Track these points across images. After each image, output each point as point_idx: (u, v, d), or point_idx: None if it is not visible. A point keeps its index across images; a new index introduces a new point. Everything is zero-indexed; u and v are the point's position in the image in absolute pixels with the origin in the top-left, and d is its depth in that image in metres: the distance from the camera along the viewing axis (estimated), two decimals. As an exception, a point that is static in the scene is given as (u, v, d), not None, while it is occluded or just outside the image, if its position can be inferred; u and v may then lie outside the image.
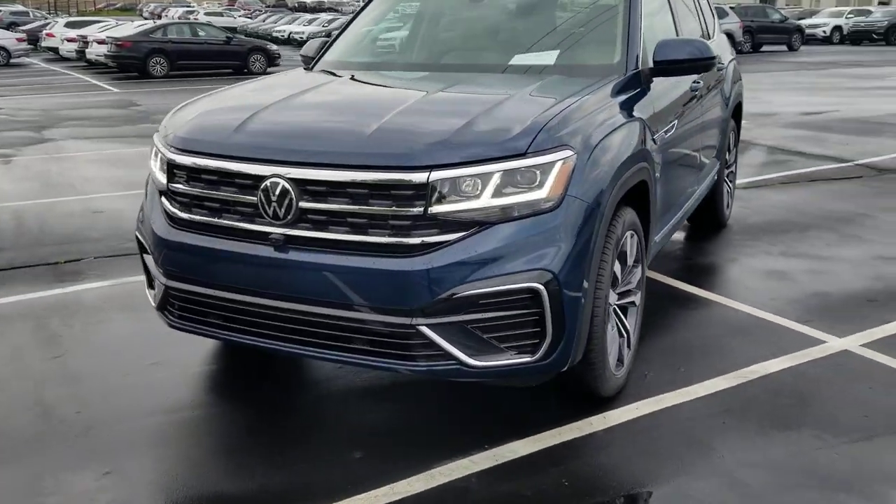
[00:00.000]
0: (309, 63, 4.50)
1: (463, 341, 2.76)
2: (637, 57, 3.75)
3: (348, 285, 2.79)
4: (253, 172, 2.92)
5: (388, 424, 3.28)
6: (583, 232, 2.85)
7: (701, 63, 3.79)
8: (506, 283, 2.73)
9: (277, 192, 2.85)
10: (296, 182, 2.84)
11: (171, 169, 3.16)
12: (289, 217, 2.86)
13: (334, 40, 4.51)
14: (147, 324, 4.17)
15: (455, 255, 2.71)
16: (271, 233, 2.89)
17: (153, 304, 3.37)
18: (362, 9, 4.67)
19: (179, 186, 3.13)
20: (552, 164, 2.79)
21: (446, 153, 2.76)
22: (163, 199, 3.23)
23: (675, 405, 3.37)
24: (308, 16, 47.10)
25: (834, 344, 3.97)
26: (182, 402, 3.46)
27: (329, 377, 3.67)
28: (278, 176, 2.86)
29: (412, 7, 4.68)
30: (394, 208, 2.75)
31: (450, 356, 2.77)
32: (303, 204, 2.84)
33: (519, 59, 3.94)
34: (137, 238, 3.45)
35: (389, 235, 2.76)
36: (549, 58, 3.91)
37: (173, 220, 3.15)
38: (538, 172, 2.77)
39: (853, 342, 3.99)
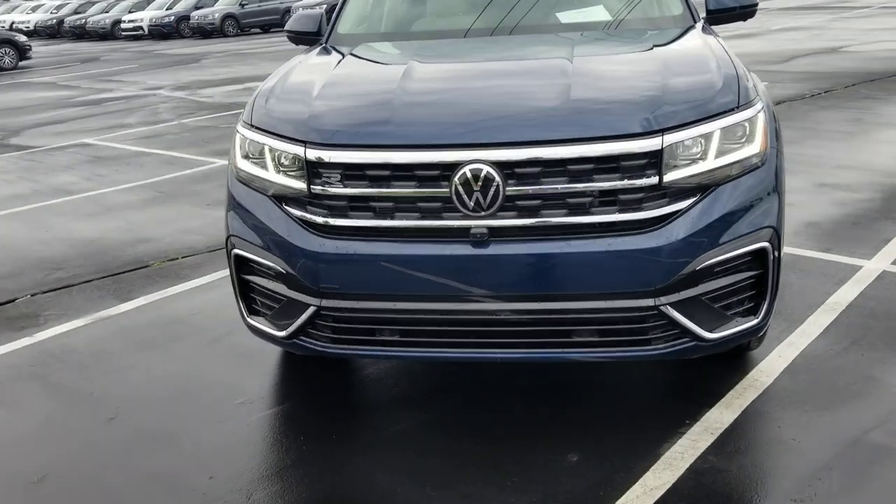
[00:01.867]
0: (307, 38, 4.00)
1: (698, 315, 2.59)
2: (694, 7, 3.73)
3: (579, 273, 2.50)
4: (445, 160, 2.50)
5: (577, 422, 3.01)
6: (782, 183, 2.77)
7: (749, 9, 3.83)
8: (739, 246, 2.59)
9: (481, 179, 2.48)
10: (500, 166, 2.48)
11: (315, 169, 2.63)
12: (494, 206, 2.50)
13: (340, 12, 4.01)
14: (180, 362, 3.54)
15: (692, 224, 2.52)
16: (472, 226, 2.51)
17: (276, 333, 2.83)
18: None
19: (331, 189, 2.62)
20: (756, 117, 2.68)
21: (674, 114, 2.54)
22: (293, 206, 2.69)
23: (809, 346, 3.42)
24: (30, 3, 42.41)
25: (870, 266, 4.24)
26: (317, 432, 2.95)
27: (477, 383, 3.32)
28: (479, 161, 2.48)
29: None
30: (625, 181, 2.49)
31: (687, 333, 2.58)
32: (510, 189, 2.49)
33: (570, 17, 3.75)
34: (238, 258, 2.88)
35: (619, 212, 2.50)
36: (602, 13, 3.78)
37: (323, 229, 2.64)
38: (748, 126, 2.65)
39: (882, 263, 4.29)
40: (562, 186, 2.49)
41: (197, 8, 31.14)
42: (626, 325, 2.56)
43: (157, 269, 4.83)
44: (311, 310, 2.69)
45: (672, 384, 3.26)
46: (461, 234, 2.53)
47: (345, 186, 2.61)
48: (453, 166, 2.50)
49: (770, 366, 3.27)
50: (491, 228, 2.51)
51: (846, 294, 3.92)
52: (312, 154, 2.63)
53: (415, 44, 3.66)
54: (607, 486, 2.59)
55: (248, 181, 2.85)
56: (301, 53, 3.66)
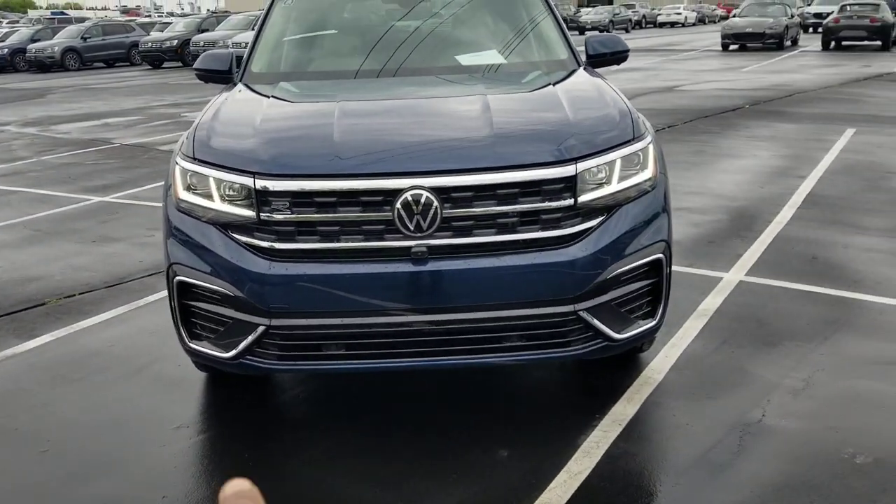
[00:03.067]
0: (219, 77, 4.17)
1: (609, 318, 2.98)
2: (577, 52, 4.20)
3: (507, 284, 2.83)
4: (388, 187, 2.78)
5: (502, 422, 3.30)
6: (669, 204, 3.22)
7: (621, 55, 4.35)
8: (641, 257, 3.01)
9: (421, 203, 2.77)
10: (437, 191, 2.79)
11: (265, 197, 2.83)
12: (432, 228, 2.79)
13: (252, 53, 4.19)
14: (105, 392, 3.58)
15: (603, 238, 2.91)
16: (413, 246, 2.79)
17: (222, 354, 2.97)
18: (267, 16, 4.40)
19: (279, 215, 2.82)
20: (647, 147, 3.12)
21: (584, 144, 2.93)
22: (240, 233, 2.87)
23: (689, 347, 3.91)
24: None
25: (729, 277, 4.86)
26: (257, 449, 3.10)
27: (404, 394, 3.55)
28: (418, 187, 2.77)
29: (314, 13, 4.52)
30: (545, 203, 2.85)
31: (600, 335, 2.97)
32: (446, 212, 2.80)
33: (468, 60, 4.13)
34: (182, 285, 3.00)
35: (541, 230, 2.86)
36: (497, 57, 4.17)
37: (272, 253, 2.83)
38: (641, 155, 3.08)
39: (738, 274, 4.92)
40: (491, 208, 2.82)
41: (34, 41, 29.67)
42: (549, 329, 2.91)
43: (54, 306, 4.76)
44: (259, 329, 2.87)
45: (581, 384, 3.65)
46: (402, 254, 2.81)
47: (293, 213, 2.83)
48: (395, 192, 2.78)
49: (659, 364, 3.72)
50: (429, 247, 2.80)
51: (713, 301, 4.48)
52: (262, 184, 2.83)
53: (334, 83, 3.90)
54: (537, 475, 2.91)
55: (189, 211, 3.00)
56: (220, 91, 3.83)
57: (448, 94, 3.63)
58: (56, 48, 28.15)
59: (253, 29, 20.99)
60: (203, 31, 28.12)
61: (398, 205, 2.77)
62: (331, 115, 3.15)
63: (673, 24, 51.94)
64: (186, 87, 19.17)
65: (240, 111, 3.41)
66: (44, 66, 28.14)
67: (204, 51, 23.26)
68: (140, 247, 5.94)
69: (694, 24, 52.53)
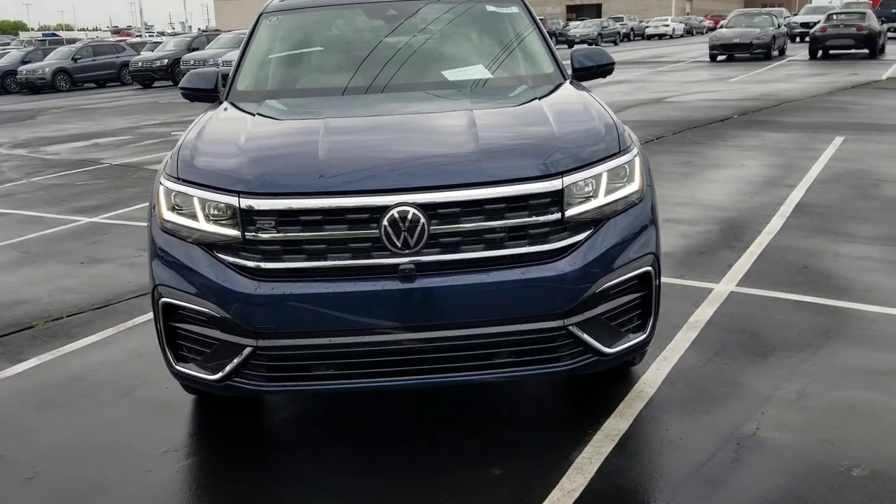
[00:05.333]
0: (204, 95, 4.15)
1: (599, 333, 2.95)
2: (563, 66, 4.20)
3: (496, 300, 2.80)
4: (374, 204, 2.75)
5: (492, 440, 3.27)
6: (657, 216, 3.21)
7: (607, 68, 4.35)
8: (629, 270, 2.99)
9: (408, 220, 2.74)
10: (424, 207, 2.76)
11: (250, 216, 2.80)
12: (419, 244, 2.77)
13: (237, 71, 4.18)
14: (91, 417, 3.54)
15: (591, 252, 2.89)
16: (400, 263, 2.77)
17: (208, 376, 2.94)
18: (252, 34, 4.39)
19: (264, 234, 2.80)
20: (634, 160, 3.11)
21: (570, 158, 2.92)
22: (225, 253, 2.85)
23: (680, 359, 3.89)
24: None
25: (720, 289, 4.84)
26: (247, 472, 3.06)
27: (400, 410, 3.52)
28: (405, 204, 2.75)
29: (300, 31, 4.52)
30: (532, 218, 2.83)
31: (590, 349, 2.94)
32: (433, 228, 2.78)
33: (454, 75, 4.12)
34: (167, 307, 2.97)
35: (529, 245, 2.84)
36: (483, 72, 4.16)
37: (257, 273, 2.80)
38: (628, 168, 3.07)
39: (729, 285, 4.90)
40: (478, 224, 2.80)
41: (24, 62, 29.67)
42: (539, 345, 2.88)
43: (42, 329, 4.72)
44: (246, 351, 2.83)
45: (572, 400, 3.62)
46: (390, 271, 2.78)
47: (278, 232, 2.80)
48: (382, 209, 2.76)
49: (651, 377, 3.70)
50: (417, 264, 2.77)
51: (704, 313, 4.47)
52: (246, 203, 2.80)
53: (318, 100, 3.89)
54: (530, 493, 2.88)
55: (174, 232, 2.97)
56: (206, 110, 3.81)
57: (434, 110, 3.62)
58: (47, 69, 28.17)
59: (243, 47, 20.69)
60: (193, 49, 28.15)
61: (385, 222, 2.75)
62: (316, 132, 3.13)
63: (661, 37, 52.32)
64: (176, 106, 19.17)
65: (224, 130, 3.39)
66: (34, 87, 28.15)
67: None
68: (128, 267, 5.90)
69: (682, 36, 52.96)
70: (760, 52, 26.56)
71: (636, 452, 3.12)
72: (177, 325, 3.00)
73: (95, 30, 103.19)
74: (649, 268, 3.05)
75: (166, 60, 27.75)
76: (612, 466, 3.02)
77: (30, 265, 6.14)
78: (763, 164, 8.75)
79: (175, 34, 50.72)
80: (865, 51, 25.40)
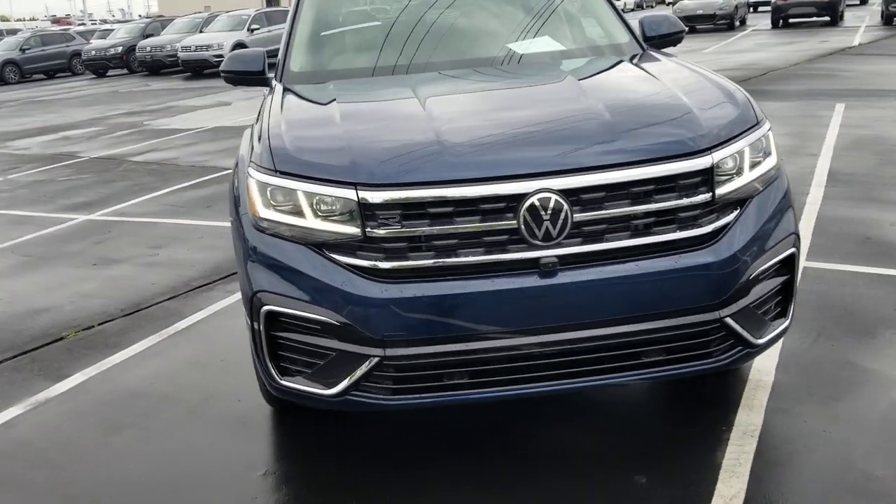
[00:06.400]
0: (251, 78, 3.80)
1: (749, 323, 2.70)
2: (636, 34, 3.92)
3: (647, 293, 2.53)
4: (512, 192, 2.45)
5: (623, 445, 3.01)
6: (790, 193, 2.96)
7: (678, 35, 4.08)
8: (777, 253, 2.73)
9: (550, 208, 2.45)
10: (567, 193, 2.47)
11: (371, 211, 2.48)
12: (562, 235, 2.47)
13: (288, 51, 3.81)
14: (164, 439, 3.20)
15: (743, 235, 2.63)
16: (541, 257, 2.47)
17: (323, 391, 2.61)
18: (297, 11, 4.02)
19: (387, 231, 2.47)
20: (769, 132, 2.86)
21: (715, 133, 2.64)
22: (340, 252, 2.52)
23: (785, 343, 3.67)
24: None
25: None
26: (365, 492, 2.75)
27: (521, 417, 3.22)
28: (547, 189, 2.45)
29: (348, 3, 4.16)
30: (683, 199, 2.55)
31: (742, 342, 2.68)
32: (576, 216, 2.48)
33: (524, 48, 3.81)
34: (270, 315, 2.63)
35: (678, 230, 2.56)
36: (552, 43, 3.87)
37: (382, 274, 2.48)
38: (765, 141, 2.81)
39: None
40: (624, 209, 2.52)
41: (-32, 55, 28.36)
42: (691, 340, 2.61)
43: (74, 340, 4.32)
44: (371, 361, 2.51)
45: (688, 395, 3.35)
46: (529, 266, 2.48)
47: (403, 227, 2.48)
48: (520, 197, 2.45)
49: (763, 365, 3.46)
50: (559, 257, 2.48)
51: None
52: (366, 196, 2.48)
53: (392, 79, 3.54)
54: (690, 502, 2.62)
55: (274, 231, 2.63)
56: (267, 94, 3.44)
57: (534, 84, 3.31)
58: (-7, 61, 26.96)
59: (201, 31, 20.18)
60: (148, 35, 27.17)
61: (523, 211, 2.45)
62: (420, 114, 2.81)
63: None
64: (140, 95, 18.44)
65: (310, 116, 3.04)
66: (-19, 80, 26.95)
67: (152, 56, 22.16)
68: (147, 268, 5.49)
69: (633, 10, 52.73)
70: (724, 23, 26.57)
71: (783, 449, 2.89)
72: (280, 335, 2.67)
73: (33, 20, 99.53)
74: (794, 249, 2.80)
75: (121, 48, 26.75)
76: (764, 467, 2.78)
77: (37, 270, 5.68)
78: (776, 132, 8.58)
79: (123, 21, 49.05)
80: (827, 18, 25.56)
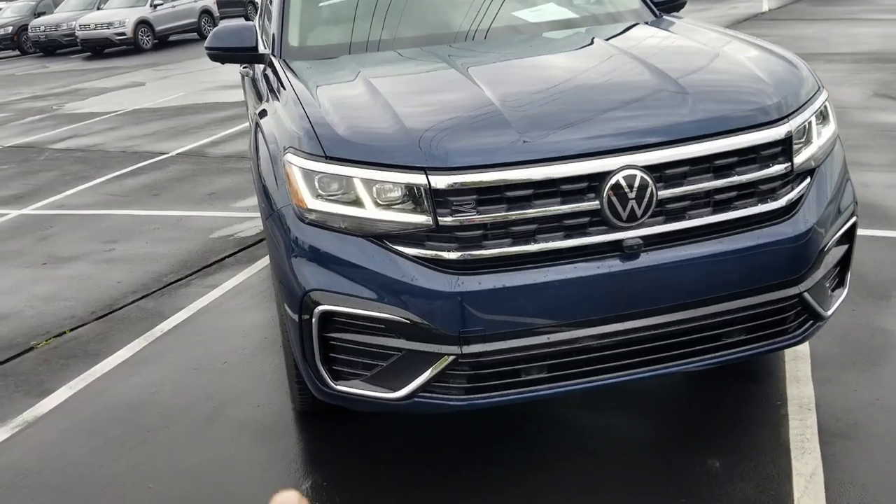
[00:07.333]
0: (241, 55, 3.50)
1: (819, 295, 2.62)
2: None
3: (732, 271, 2.40)
4: (594, 170, 2.27)
5: (684, 428, 2.90)
6: (845, 161, 2.88)
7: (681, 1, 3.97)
8: (842, 222, 2.66)
9: (636, 186, 2.28)
10: (651, 169, 2.31)
11: (443, 197, 2.25)
12: (646, 214, 2.32)
13: (284, 25, 3.50)
14: (182, 453, 2.92)
15: (816, 206, 2.53)
16: (624, 239, 2.31)
17: (387, 395, 2.40)
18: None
19: (461, 218, 2.26)
20: (828, 100, 2.77)
21: (789, 100, 2.53)
22: (405, 244, 2.30)
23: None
24: None
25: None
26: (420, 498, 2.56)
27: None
28: (631, 166, 2.28)
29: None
30: (763, 171, 2.43)
31: (814, 315, 2.60)
32: (661, 193, 2.33)
33: (534, 16, 3.63)
34: (325, 316, 2.38)
35: (759, 203, 2.44)
36: (562, 11, 3.70)
37: (455, 265, 2.27)
38: (826, 108, 2.73)
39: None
40: (708, 184, 2.38)
41: None
42: (771, 317, 2.51)
43: (47, 349, 3.92)
44: (446, 360, 2.31)
45: (728, 370, 3.25)
46: (610, 249, 2.32)
47: (478, 213, 2.27)
48: (602, 175, 2.28)
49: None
50: (644, 238, 2.33)
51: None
52: (438, 181, 2.25)
53: (418, 51, 3.26)
54: (771, 483, 2.54)
55: (326, 223, 2.38)
56: (281, 70, 3.12)
57: (572, 51, 3.13)
58: None
59: (99, 9, 18.83)
60: (40, 14, 25.50)
61: (607, 190, 2.28)
62: (473, 87, 2.59)
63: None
64: (39, 78, 17.29)
65: (348, 94, 2.76)
66: None
67: (47, 36, 20.71)
68: (106, 264, 5.07)
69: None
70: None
71: (845, 421, 2.83)
72: (335, 335, 2.43)
73: None
74: (856, 217, 2.74)
75: (10, 28, 25.04)
76: (833, 441, 2.72)
77: (-21, 272, 5.17)
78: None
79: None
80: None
